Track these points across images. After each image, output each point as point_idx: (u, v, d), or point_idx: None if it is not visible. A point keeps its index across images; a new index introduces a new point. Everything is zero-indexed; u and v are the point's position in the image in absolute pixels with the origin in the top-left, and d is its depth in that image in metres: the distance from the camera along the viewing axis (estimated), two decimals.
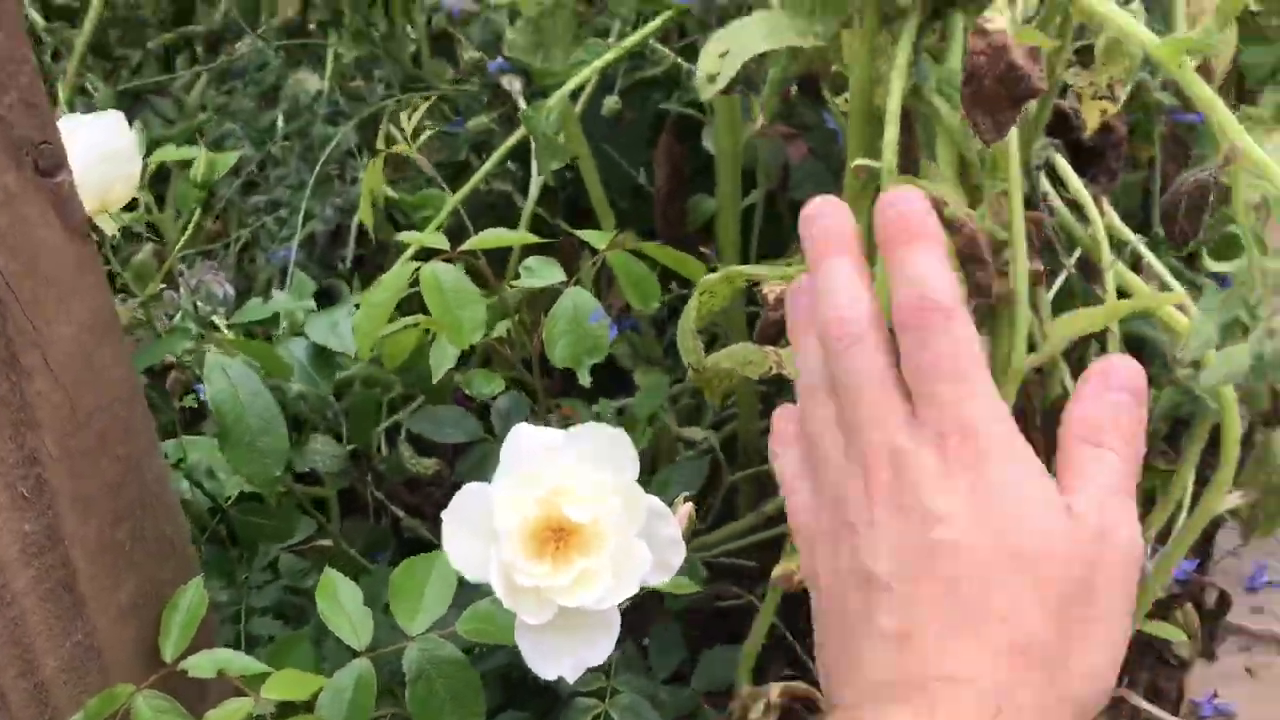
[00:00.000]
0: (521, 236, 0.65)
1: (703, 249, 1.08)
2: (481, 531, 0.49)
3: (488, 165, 0.93)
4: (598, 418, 0.94)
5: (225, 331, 0.74)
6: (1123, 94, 0.57)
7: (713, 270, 1.06)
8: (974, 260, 0.55)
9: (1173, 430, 1.02)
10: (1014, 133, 0.59)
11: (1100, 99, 0.58)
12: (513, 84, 1.03)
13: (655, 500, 0.50)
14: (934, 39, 0.60)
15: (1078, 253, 0.87)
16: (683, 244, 1.08)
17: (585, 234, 0.69)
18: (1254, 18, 1.02)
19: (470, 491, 0.49)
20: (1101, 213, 0.81)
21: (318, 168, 1.04)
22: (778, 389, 0.97)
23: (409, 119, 0.78)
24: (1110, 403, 0.48)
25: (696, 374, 0.64)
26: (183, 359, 0.65)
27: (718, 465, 1.00)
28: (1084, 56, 0.60)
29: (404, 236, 0.67)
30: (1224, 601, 1.05)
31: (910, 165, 0.62)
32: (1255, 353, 0.53)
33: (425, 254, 0.69)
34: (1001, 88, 0.49)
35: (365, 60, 1.18)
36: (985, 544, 0.43)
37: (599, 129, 1.08)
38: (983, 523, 0.43)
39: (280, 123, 1.12)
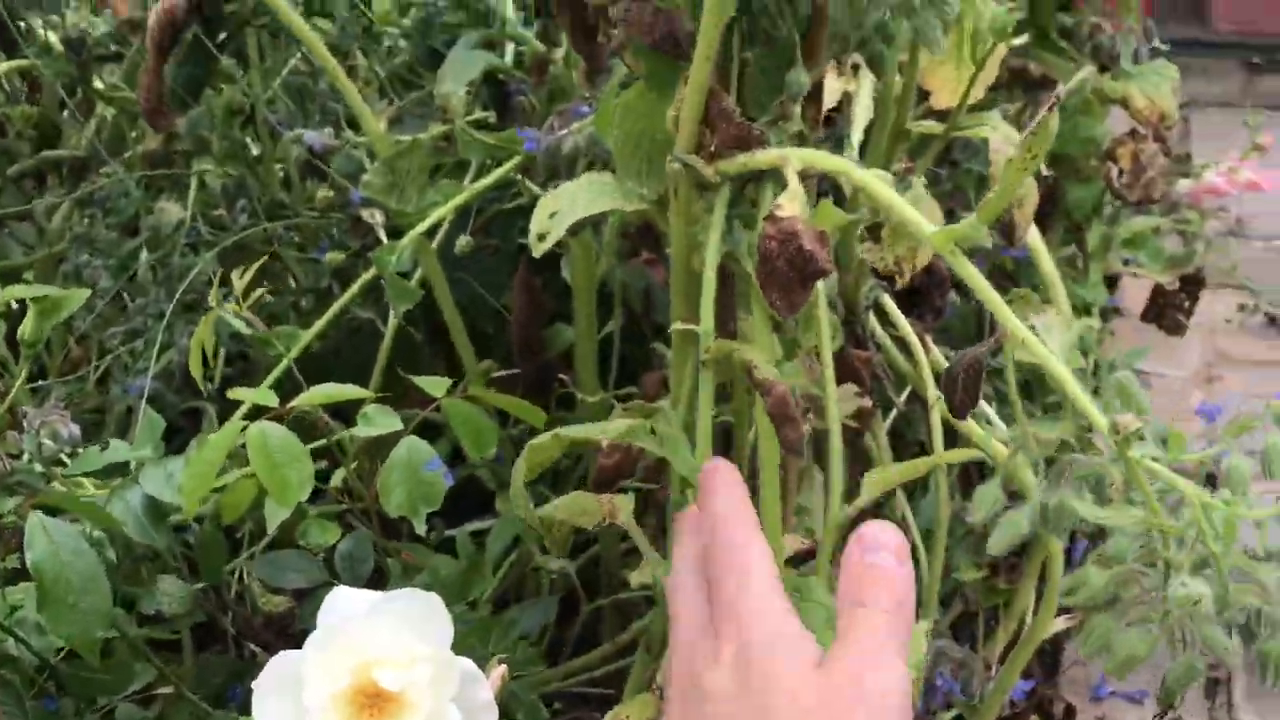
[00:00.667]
0: (355, 392, 0.66)
1: (562, 375, 1.11)
2: (293, 700, 0.49)
3: (344, 299, 0.94)
4: (454, 545, 0.95)
5: (61, 479, 0.73)
6: (910, 269, 0.61)
7: (570, 396, 1.09)
8: (785, 420, 0.57)
9: (1022, 546, 1.07)
10: (821, 292, 0.62)
11: (890, 273, 0.61)
12: (374, 216, 1.05)
13: (468, 663, 0.51)
14: (746, 206, 0.63)
15: (909, 388, 0.91)
16: (542, 372, 1.11)
17: (423, 381, 0.71)
18: (1075, 159, 1.09)
19: (281, 660, 0.50)
20: (926, 349, 0.85)
21: (176, 297, 1.04)
22: (644, 506, 0.99)
23: (240, 277, 0.79)
24: (869, 564, 0.52)
25: (534, 528, 0.65)
26: (6, 519, 0.64)
27: (577, 592, 1.00)
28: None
29: (236, 394, 0.68)
30: (1070, 714, 1.08)
31: (729, 321, 0.66)
32: (1042, 503, 0.57)
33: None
34: (792, 269, 0.52)
35: (230, 187, 1.19)
36: (744, 709, 0.49)
37: (462, 257, 1.10)
38: (742, 691, 0.49)
39: (143, 252, 1.12)
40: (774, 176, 0.60)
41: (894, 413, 0.91)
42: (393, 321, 1.05)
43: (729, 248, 0.62)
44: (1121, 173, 1.05)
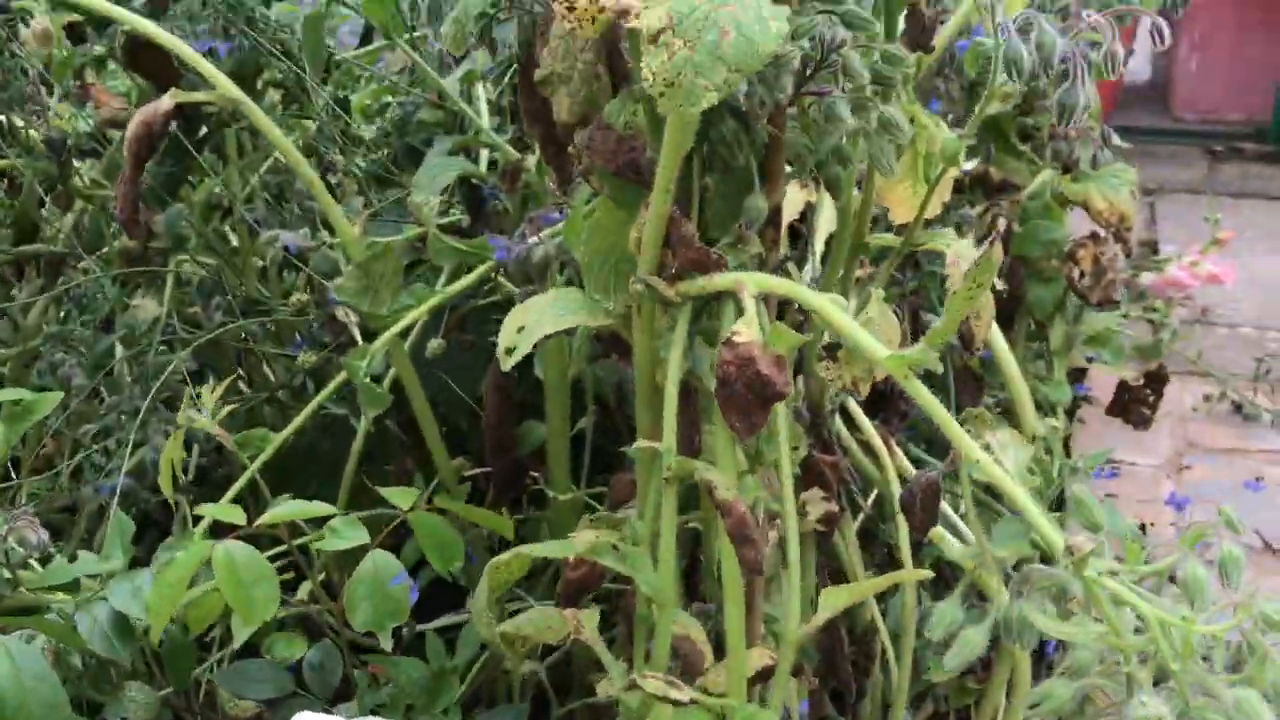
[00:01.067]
0: (320, 510, 0.66)
1: (534, 473, 1.11)
2: None
3: (315, 401, 0.95)
4: (423, 640, 0.94)
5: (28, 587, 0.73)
6: (867, 388, 0.62)
7: (541, 493, 1.09)
8: (744, 541, 0.58)
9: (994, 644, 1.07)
10: (781, 410, 0.63)
11: (847, 391, 0.63)
12: (349, 315, 1.06)
13: None
14: (708, 322, 0.65)
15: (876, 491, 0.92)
16: (514, 469, 1.11)
17: (389, 492, 0.71)
18: (1037, 261, 1.12)
19: None
20: (891, 453, 0.86)
21: (150, 397, 1.04)
22: (613, 607, 0.99)
23: (211, 391, 0.80)
24: None
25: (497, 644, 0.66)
26: None
27: (547, 694, 1.00)
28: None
29: (203, 510, 0.68)
30: None
31: (693, 434, 0.67)
32: (1005, 618, 0.57)
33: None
34: (750, 393, 0.54)
35: (206, 283, 1.20)
36: None
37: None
38: None
39: (118, 348, 1.12)
40: (733, 296, 0.62)
41: (862, 515, 0.92)
42: (364, 425, 1.06)
43: (690, 364, 0.63)
44: (1083, 275, 1.07)
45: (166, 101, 0.86)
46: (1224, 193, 2.50)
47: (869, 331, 0.56)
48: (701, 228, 0.64)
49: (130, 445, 1.05)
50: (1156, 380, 1.21)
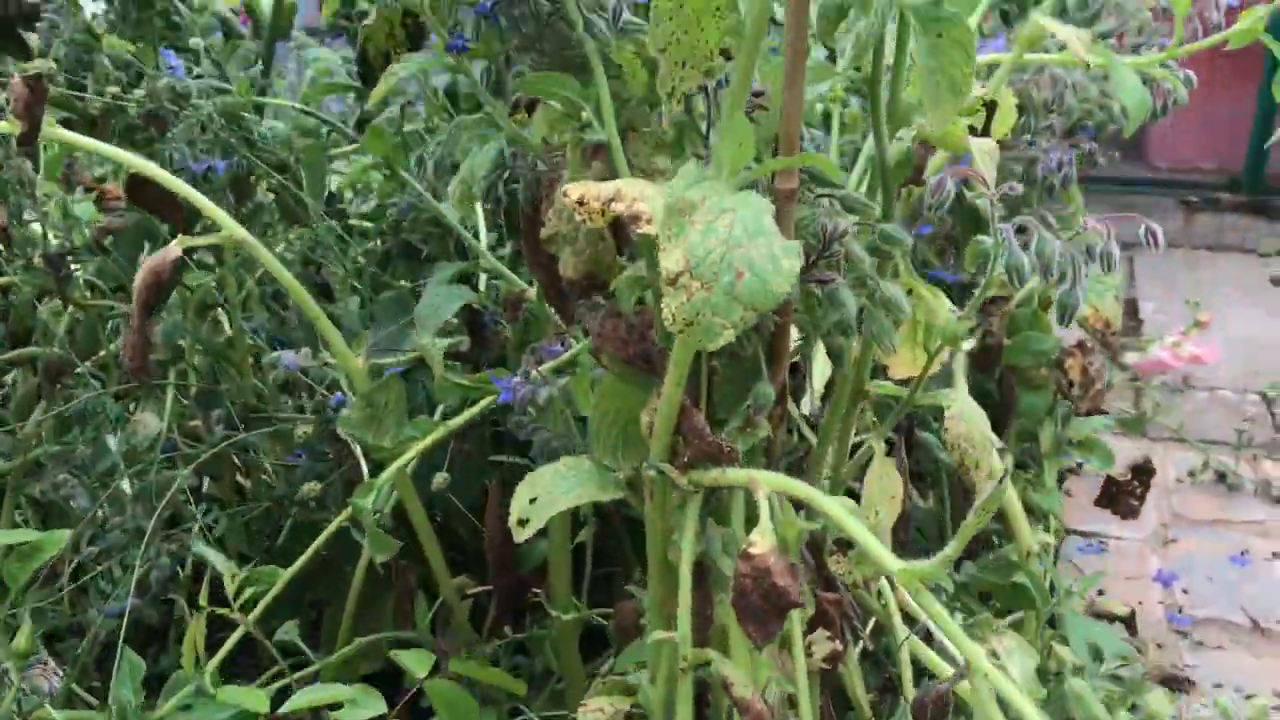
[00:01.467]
0: (339, 693, 0.67)
1: (535, 590, 1.12)
2: None
3: (322, 538, 0.96)
4: None
5: None
6: (875, 588, 0.64)
7: (541, 605, 1.10)
8: None
9: None
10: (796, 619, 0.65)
11: (856, 588, 0.64)
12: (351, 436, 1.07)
13: None
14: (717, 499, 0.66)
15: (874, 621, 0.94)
16: (516, 586, 1.12)
17: (405, 656, 0.72)
18: (1027, 370, 1.14)
19: None
20: (893, 588, 0.88)
21: (154, 518, 1.05)
22: None
23: (233, 581, 0.81)
24: None
25: None
26: None
27: None
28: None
29: (226, 695, 0.69)
30: None
31: (706, 608, 0.68)
32: None
33: None
34: (766, 603, 0.55)
35: (203, 395, 1.21)
36: None
37: (435, 465, 1.12)
38: None
39: (119, 464, 1.13)
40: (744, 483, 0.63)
41: (862, 643, 0.93)
42: (367, 548, 1.07)
43: (703, 547, 0.64)
44: (1072, 384, 1.09)
45: (174, 250, 0.87)
46: (1201, 245, 2.55)
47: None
48: (709, 409, 0.66)
49: (137, 566, 1.06)
50: (1143, 473, 1.23)
